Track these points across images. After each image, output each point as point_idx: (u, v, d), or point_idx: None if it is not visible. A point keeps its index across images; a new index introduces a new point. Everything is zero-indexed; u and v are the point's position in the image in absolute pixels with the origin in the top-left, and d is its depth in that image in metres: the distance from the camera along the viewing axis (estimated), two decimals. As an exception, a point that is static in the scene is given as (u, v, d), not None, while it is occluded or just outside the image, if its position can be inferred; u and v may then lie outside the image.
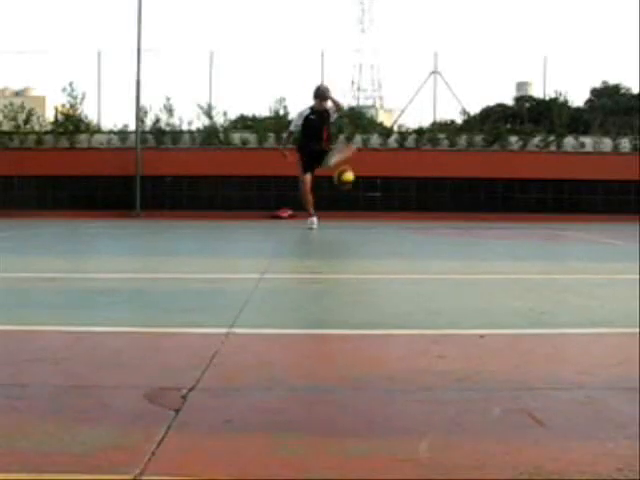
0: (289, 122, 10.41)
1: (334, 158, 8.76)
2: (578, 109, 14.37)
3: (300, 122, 9.04)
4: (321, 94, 9.03)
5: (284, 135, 9.52)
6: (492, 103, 15.47)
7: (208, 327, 2.28)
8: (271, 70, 21.21)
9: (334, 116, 9.22)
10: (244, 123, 13.73)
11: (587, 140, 12.69)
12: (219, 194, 12.23)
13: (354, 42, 60.32)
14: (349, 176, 8.59)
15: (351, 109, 16.13)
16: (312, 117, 8.98)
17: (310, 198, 8.60)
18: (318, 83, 9.60)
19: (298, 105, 8.97)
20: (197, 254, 5.58)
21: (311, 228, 8.35)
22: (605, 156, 12.49)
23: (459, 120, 14.23)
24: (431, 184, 12.23)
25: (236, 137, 12.60)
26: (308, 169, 8.71)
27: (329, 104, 9.05)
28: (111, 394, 1.53)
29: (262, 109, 17.43)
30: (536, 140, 12.62)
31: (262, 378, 1.66)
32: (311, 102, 9.17)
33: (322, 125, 8.94)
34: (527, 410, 1.40)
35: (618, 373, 1.74)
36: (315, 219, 8.52)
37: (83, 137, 12.55)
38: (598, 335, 2.25)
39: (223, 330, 2.18)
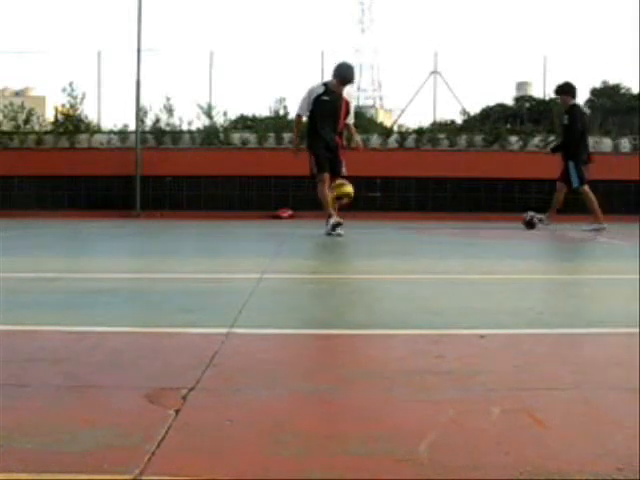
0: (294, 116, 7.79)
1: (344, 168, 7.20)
2: (578, 109, 14.36)
3: (310, 104, 6.97)
4: (346, 75, 6.92)
5: (294, 129, 7.46)
6: (492, 103, 15.50)
7: (208, 327, 2.27)
8: (271, 70, 21.24)
9: (351, 116, 7.26)
10: (244, 123, 13.74)
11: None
12: (219, 194, 12.23)
13: (354, 42, 60.43)
14: (349, 188, 7.12)
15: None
16: (326, 98, 6.94)
17: (330, 197, 7.03)
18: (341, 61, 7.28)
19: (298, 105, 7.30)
20: (197, 254, 5.58)
21: (337, 234, 6.72)
22: (605, 156, 12.49)
23: (459, 120, 14.26)
24: (431, 184, 12.23)
25: (236, 137, 12.60)
26: (326, 166, 7.00)
27: (347, 92, 7.10)
28: (111, 394, 1.53)
29: (262, 109, 17.48)
30: (536, 140, 12.62)
31: (262, 378, 1.66)
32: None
33: (338, 112, 6.99)
34: (527, 410, 1.40)
35: (618, 373, 1.74)
36: (338, 219, 6.86)
37: (83, 137, 12.56)
38: (598, 335, 2.25)
39: (223, 330, 2.18)
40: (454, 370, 1.75)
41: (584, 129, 8.70)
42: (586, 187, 8.64)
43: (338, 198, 7.15)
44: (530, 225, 8.84)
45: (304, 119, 7.29)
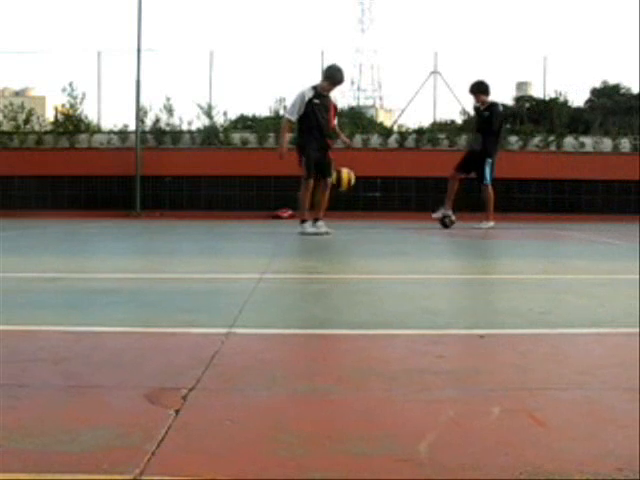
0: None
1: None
2: (578, 109, 14.38)
3: (302, 108, 7.17)
4: (337, 77, 7.22)
5: (282, 133, 7.59)
6: (492, 103, 15.44)
7: (208, 327, 2.27)
8: (271, 70, 21.25)
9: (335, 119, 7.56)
10: (244, 123, 13.74)
11: (587, 140, 12.70)
12: (219, 194, 12.23)
13: (354, 42, 60.50)
14: (347, 176, 7.60)
15: (351, 109, 16.16)
16: (317, 101, 7.17)
17: (308, 201, 7.37)
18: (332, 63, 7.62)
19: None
20: (197, 254, 5.58)
21: (314, 233, 7.16)
22: (605, 156, 12.49)
23: (459, 120, 14.25)
24: (431, 184, 12.23)
25: (236, 137, 12.60)
26: (312, 171, 7.24)
27: (333, 95, 7.38)
28: (111, 394, 1.52)
29: (262, 109, 17.49)
30: (536, 140, 12.62)
31: (262, 378, 1.66)
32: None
33: (329, 114, 7.29)
34: (527, 410, 1.40)
35: (618, 373, 1.74)
36: (311, 229, 7.27)
37: (83, 137, 12.56)
38: (598, 335, 2.25)
39: (223, 330, 2.18)
40: (454, 370, 1.75)
41: (501, 127, 9.00)
42: (490, 186, 8.91)
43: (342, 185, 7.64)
44: (445, 224, 9.02)
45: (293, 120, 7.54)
